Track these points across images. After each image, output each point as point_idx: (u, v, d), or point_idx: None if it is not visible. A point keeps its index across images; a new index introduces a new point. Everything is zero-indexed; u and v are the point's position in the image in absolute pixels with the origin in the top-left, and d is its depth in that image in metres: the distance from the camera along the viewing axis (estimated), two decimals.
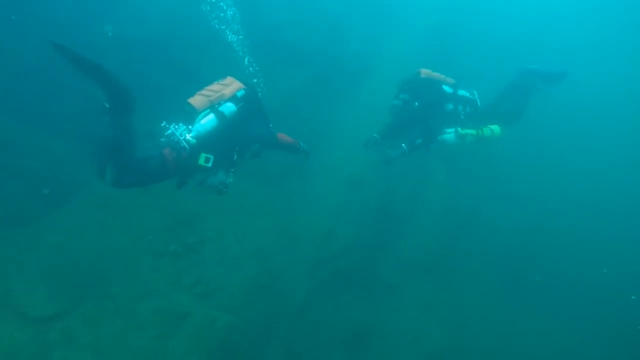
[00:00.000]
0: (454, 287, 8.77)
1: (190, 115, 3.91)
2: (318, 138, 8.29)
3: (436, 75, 5.71)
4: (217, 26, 5.79)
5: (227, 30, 5.69)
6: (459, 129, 5.58)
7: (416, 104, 5.39)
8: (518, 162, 10.63)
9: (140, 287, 6.26)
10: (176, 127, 3.70)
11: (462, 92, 5.81)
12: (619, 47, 13.01)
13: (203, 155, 3.70)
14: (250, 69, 5.29)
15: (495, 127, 5.76)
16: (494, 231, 9.74)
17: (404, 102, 5.51)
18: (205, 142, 3.76)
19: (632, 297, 9.14)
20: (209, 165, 3.72)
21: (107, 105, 3.18)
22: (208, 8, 5.99)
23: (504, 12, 11.79)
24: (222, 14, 5.88)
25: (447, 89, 5.66)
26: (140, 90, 3.61)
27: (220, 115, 3.85)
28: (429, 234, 8.91)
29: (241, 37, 5.61)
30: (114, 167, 3.28)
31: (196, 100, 3.92)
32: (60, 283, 6.06)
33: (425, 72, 5.63)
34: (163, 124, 3.72)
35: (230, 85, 4.11)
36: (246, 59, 5.37)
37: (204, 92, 4.03)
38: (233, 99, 4.04)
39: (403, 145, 5.66)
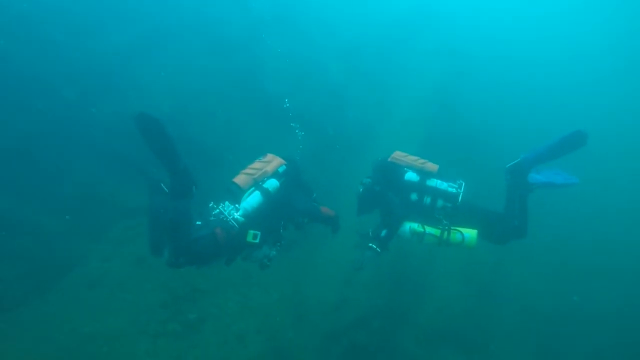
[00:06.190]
0: (481, 357, 7.97)
1: (235, 193, 4.05)
2: (324, 203, 8.04)
3: (410, 159, 4.85)
4: None
5: None
6: (422, 224, 4.56)
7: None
8: (540, 211, 10.16)
9: None
10: (223, 206, 3.82)
11: (432, 182, 4.76)
12: None
13: (251, 232, 3.81)
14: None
15: (471, 234, 4.52)
16: (520, 289, 9.10)
17: (364, 187, 4.83)
18: (252, 219, 3.90)
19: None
20: (257, 241, 3.84)
21: (167, 190, 3.33)
22: None
23: (509, 81, 11.98)
24: None
25: (411, 176, 4.77)
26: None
27: (264, 192, 4.03)
28: (449, 297, 8.35)
29: None
30: (171, 248, 3.38)
31: (241, 179, 4.06)
32: None
33: (397, 155, 4.88)
34: (211, 204, 3.84)
35: (272, 162, 4.30)
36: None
37: (247, 170, 4.19)
38: (275, 174, 4.24)
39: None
